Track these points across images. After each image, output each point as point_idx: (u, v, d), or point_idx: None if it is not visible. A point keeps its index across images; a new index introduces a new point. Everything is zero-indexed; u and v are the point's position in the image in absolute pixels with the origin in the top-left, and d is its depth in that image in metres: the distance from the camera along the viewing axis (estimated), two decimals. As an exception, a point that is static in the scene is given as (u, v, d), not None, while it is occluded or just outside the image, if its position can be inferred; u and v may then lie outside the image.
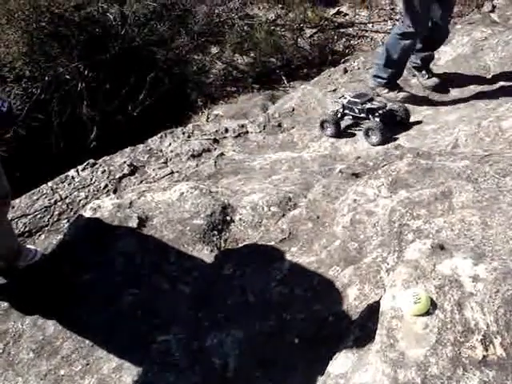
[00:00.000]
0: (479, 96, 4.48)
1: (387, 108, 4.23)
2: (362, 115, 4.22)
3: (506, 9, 6.29)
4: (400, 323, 1.77)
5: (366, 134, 4.06)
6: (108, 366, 2.38)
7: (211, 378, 2.25)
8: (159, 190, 3.16)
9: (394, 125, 4.18)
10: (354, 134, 4.29)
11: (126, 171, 3.88)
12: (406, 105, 4.36)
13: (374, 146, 3.96)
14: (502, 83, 4.57)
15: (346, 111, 4.34)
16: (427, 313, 1.76)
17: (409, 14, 4.21)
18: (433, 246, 1.98)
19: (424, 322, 1.75)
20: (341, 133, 4.32)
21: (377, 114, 4.15)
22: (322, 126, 4.35)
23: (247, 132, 4.51)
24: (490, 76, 4.77)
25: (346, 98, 4.34)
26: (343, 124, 4.39)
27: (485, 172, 2.89)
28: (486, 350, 1.69)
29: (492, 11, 6.36)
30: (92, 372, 2.37)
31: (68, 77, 6.51)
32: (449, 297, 1.79)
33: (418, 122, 4.20)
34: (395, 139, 4.03)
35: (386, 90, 4.53)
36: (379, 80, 4.57)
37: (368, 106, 4.18)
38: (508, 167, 2.93)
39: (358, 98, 4.27)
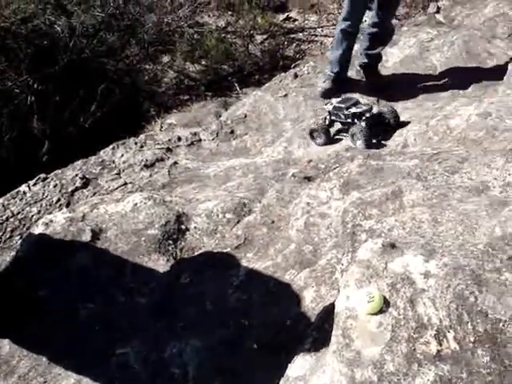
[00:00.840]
0: (427, 96, 4.56)
1: (374, 111, 4.06)
2: (349, 120, 4.01)
3: (451, 9, 6.44)
4: (355, 323, 1.79)
5: (352, 139, 3.90)
6: (66, 383, 2.34)
7: (171, 388, 2.24)
8: (112, 201, 3.13)
9: (382, 128, 4.00)
10: (341, 139, 4.14)
11: (78, 184, 3.83)
12: (394, 107, 4.23)
13: (361, 150, 3.75)
14: (448, 82, 4.68)
15: (333, 117, 4.14)
16: (381, 311, 1.79)
17: (344, 8, 4.55)
18: (384, 244, 2.01)
19: (378, 320, 1.77)
20: (332, 140, 4.12)
21: (363, 118, 3.96)
22: (312, 135, 4.13)
23: (200, 140, 4.50)
24: (437, 76, 4.87)
25: (331, 104, 4.15)
26: (333, 130, 4.20)
27: (434, 170, 2.95)
28: (440, 345, 1.72)
29: (437, 12, 6.49)
30: (50, 389, 2.33)
31: (17, 90, 6.40)
32: (401, 294, 1.82)
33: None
34: (383, 144, 3.90)
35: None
36: (328, 73, 4.82)
37: (353, 110, 3.98)
38: (456, 164, 3.00)
39: (343, 102, 4.07)
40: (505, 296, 1.82)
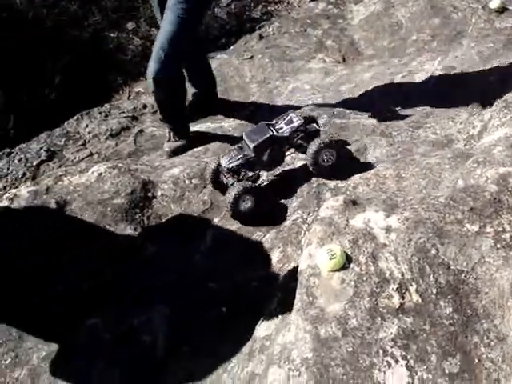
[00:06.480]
0: (393, 52, 4.54)
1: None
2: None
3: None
4: (318, 280, 1.80)
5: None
6: (37, 356, 2.31)
7: (141, 356, 2.22)
8: (76, 172, 3.08)
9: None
10: None
11: (43, 157, 3.77)
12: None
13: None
14: (413, 38, 4.65)
15: None
16: (343, 267, 1.79)
17: None
18: (345, 201, 2.01)
19: (340, 276, 1.78)
20: None
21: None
22: None
23: (166, 106, 4.44)
24: (403, 32, 4.83)
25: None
26: None
27: (398, 126, 2.95)
28: (403, 298, 1.74)
29: (402, -33, 6.40)
30: (22, 364, 2.31)
31: (-23, 65, 6.25)
32: (363, 250, 1.83)
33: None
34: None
35: None
36: None
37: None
38: (420, 119, 3.01)
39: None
40: (466, 247, 1.83)
